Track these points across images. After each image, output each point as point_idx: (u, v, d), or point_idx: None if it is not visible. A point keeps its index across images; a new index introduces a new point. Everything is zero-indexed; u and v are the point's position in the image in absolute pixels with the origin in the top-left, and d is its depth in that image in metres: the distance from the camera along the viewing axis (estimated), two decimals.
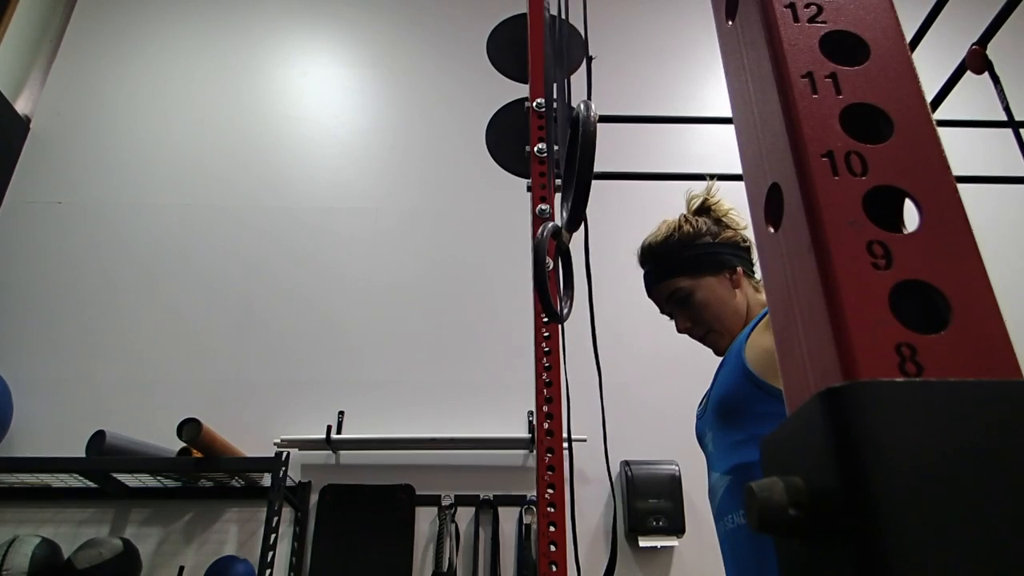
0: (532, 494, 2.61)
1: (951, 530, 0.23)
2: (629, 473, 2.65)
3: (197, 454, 2.37)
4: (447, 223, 3.27)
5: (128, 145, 3.39)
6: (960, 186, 0.31)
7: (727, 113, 0.44)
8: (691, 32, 3.74)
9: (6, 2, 3.30)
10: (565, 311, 1.01)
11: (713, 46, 0.48)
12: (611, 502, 2.68)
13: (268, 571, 2.19)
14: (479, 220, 3.26)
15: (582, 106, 0.74)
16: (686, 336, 1.34)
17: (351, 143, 3.45)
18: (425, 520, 2.66)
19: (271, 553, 2.21)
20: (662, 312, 1.37)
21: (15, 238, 3.15)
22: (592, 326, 1.09)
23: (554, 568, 1.19)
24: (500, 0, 2.12)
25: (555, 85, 1.54)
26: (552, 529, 1.22)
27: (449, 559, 2.52)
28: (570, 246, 1.09)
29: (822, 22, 0.34)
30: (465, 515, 2.67)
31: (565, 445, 1.28)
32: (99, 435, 2.36)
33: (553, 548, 1.20)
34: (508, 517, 2.68)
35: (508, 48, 1.79)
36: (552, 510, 1.23)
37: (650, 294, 1.36)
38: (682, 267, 1.29)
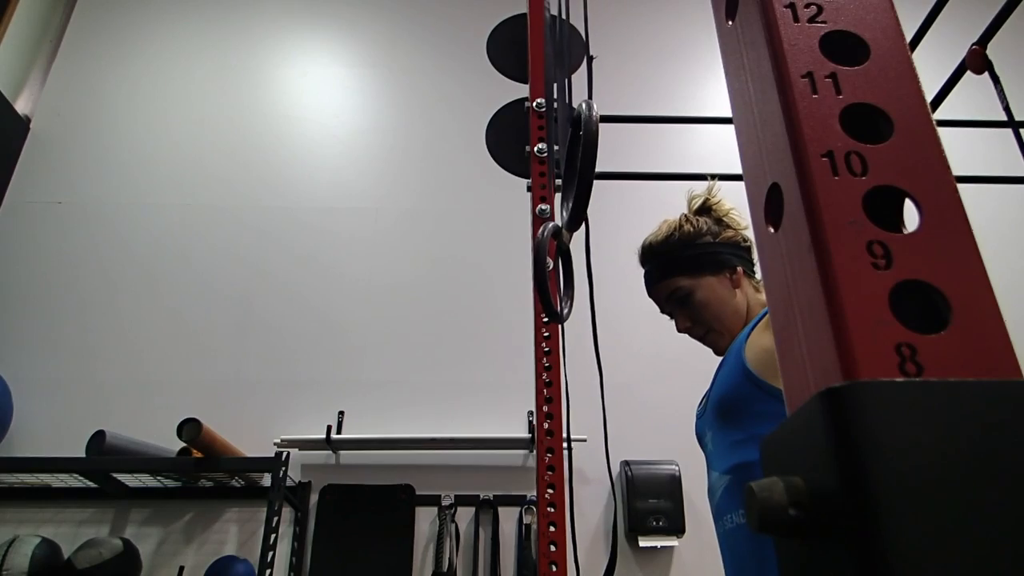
0: (532, 494, 2.61)
1: (951, 530, 0.23)
2: (629, 473, 2.65)
3: (197, 454, 2.37)
4: (447, 223, 3.27)
5: (128, 145, 3.39)
6: (960, 186, 0.31)
7: (727, 113, 0.44)
8: (691, 32, 3.74)
9: (6, 2, 3.30)
10: (565, 311, 1.01)
11: (713, 46, 0.48)
12: (611, 502, 2.68)
13: (268, 571, 2.19)
14: (479, 220, 3.26)
15: (584, 105, 0.74)
16: (686, 336, 1.34)
17: (351, 143, 3.45)
18: (425, 520, 2.66)
19: (271, 553, 2.21)
20: (662, 312, 1.37)
21: (15, 238, 3.15)
22: (593, 326, 1.09)
23: (554, 568, 1.19)
24: (500, 0, 2.12)
25: (555, 85, 1.55)
26: (552, 529, 1.22)
27: (449, 559, 2.52)
28: (570, 246, 1.09)
29: (822, 22, 0.34)
30: (465, 515, 2.67)
31: (565, 445, 1.28)
32: (99, 435, 2.36)
33: (553, 548, 1.20)
34: (508, 517, 2.68)
35: (508, 48, 1.79)
36: (552, 510, 1.23)
37: (650, 293, 1.36)
38: (682, 266, 1.29)
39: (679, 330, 1.34)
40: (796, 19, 0.34)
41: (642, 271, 1.38)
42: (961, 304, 0.27)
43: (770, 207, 0.34)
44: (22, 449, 2.69)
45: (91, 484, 2.54)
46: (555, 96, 1.53)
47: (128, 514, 2.64)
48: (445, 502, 2.63)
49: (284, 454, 2.40)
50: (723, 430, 1.16)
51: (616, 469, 2.72)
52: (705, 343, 1.32)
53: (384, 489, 2.69)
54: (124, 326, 2.98)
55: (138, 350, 2.94)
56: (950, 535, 0.23)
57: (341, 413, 2.82)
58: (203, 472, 2.48)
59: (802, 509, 0.25)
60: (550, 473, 1.27)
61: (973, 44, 1.54)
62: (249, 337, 2.98)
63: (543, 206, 1.44)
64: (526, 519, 2.58)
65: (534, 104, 1.53)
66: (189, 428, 2.31)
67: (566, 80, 1.56)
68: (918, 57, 0.47)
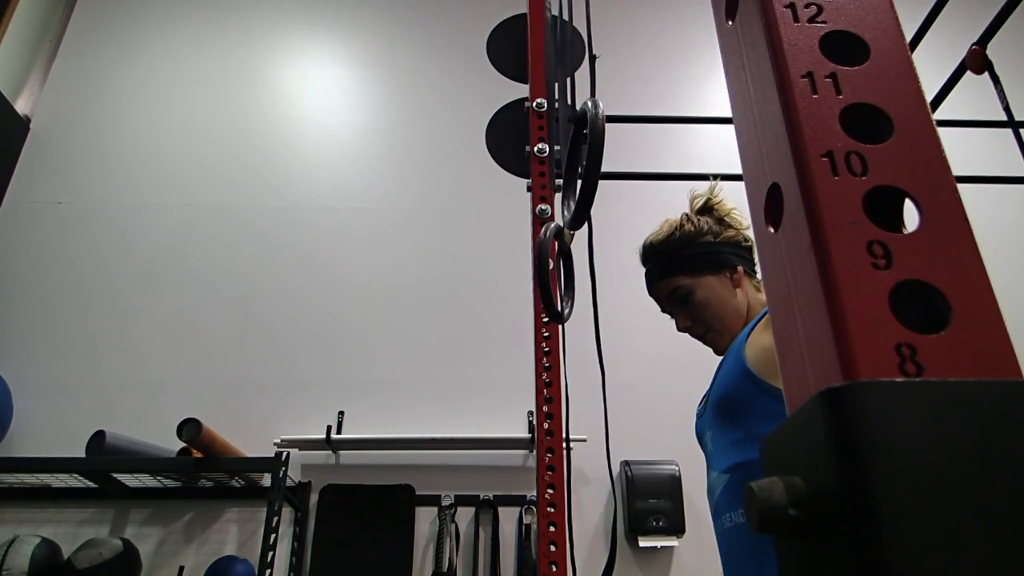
0: (532, 494, 2.61)
1: (951, 530, 0.23)
2: (629, 473, 2.65)
3: (197, 454, 2.37)
4: (447, 223, 3.27)
5: (129, 145, 3.39)
6: (960, 186, 0.31)
7: (727, 113, 0.44)
8: (691, 32, 3.74)
9: (6, 2, 3.30)
10: (566, 311, 1.01)
11: (713, 46, 0.48)
12: (611, 502, 2.68)
13: (268, 571, 2.19)
14: (479, 220, 3.26)
15: (589, 104, 0.74)
16: (686, 336, 1.34)
17: (351, 143, 3.45)
18: (425, 520, 2.66)
19: (271, 553, 2.21)
20: (663, 311, 1.37)
21: (15, 238, 3.15)
22: (596, 326, 1.09)
23: (554, 568, 1.19)
24: (500, 0, 2.12)
25: (555, 85, 1.55)
26: (552, 529, 1.22)
27: (449, 559, 2.52)
28: (570, 246, 1.08)
29: (822, 22, 0.34)
30: (465, 515, 2.67)
31: (565, 445, 1.28)
32: (99, 435, 2.36)
33: (553, 548, 1.20)
34: (508, 517, 2.68)
35: (508, 48, 1.79)
36: (552, 510, 1.23)
37: (651, 292, 1.36)
38: (683, 266, 1.29)
39: (679, 329, 1.34)
40: (796, 19, 0.34)
41: (642, 271, 1.38)
42: (961, 304, 0.27)
43: (770, 207, 0.34)
44: (22, 449, 2.69)
45: (91, 484, 2.54)
46: (555, 96, 1.53)
47: (128, 514, 2.64)
48: (445, 502, 2.63)
49: (284, 454, 2.40)
50: (723, 429, 1.16)
51: (616, 469, 2.72)
52: (705, 342, 1.32)
53: (384, 489, 2.69)
54: (124, 326, 2.98)
55: (138, 350, 2.94)
56: (950, 535, 0.23)
57: (341, 413, 2.82)
58: (203, 472, 2.48)
59: (802, 509, 0.25)
60: (550, 473, 1.27)
61: (973, 44, 1.54)
62: (249, 337, 2.98)
63: (543, 206, 1.44)
64: (526, 519, 2.58)
65: (534, 104, 1.53)
66: (189, 428, 2.31)
67: (567, 80, 1.56)
68: (918, 57, 0.47)
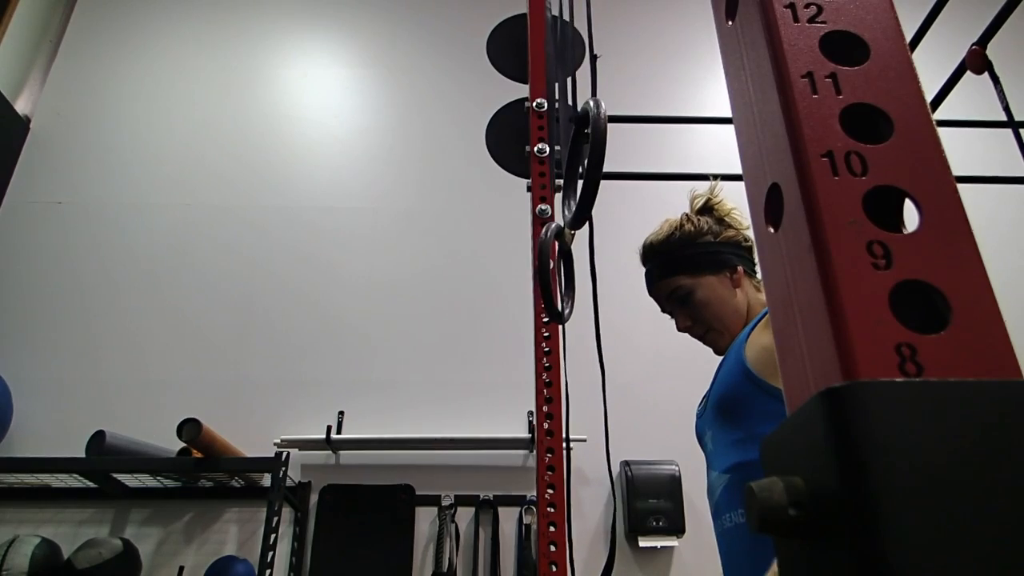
0: (532, 494, 2.61)
1: (951, 530, 0.23)
2: (629, 473, 2.65)
3: (197, 454, 2.37)
4: (447, 223, 3.28)
5: (129, 145, 3.39)
6: (960, 186, 0.31)
7: (727, 113, 0.44)
8: (691, 32, 3.74)
9: (6, 2, 3.30)
10: (566, 311, 1.01)
11: (713, 46, 0.48)
12: (611, 502, 2.68)
13: (268, 571, 2.19)
14: (479, 220, 3.26)
15: (591, 103, 0.73)
16: (687, 336, 1.34)
17: (351, 143, 3.45)
18: (425, 520, 2.66)
19: (271, 553, 2.21)
20: (663, 310, 1.37)
21: (15, 238, 3.15)
22: (596, 325, 1.09)
23: (554, 568, 1.19)
24: (500, 0, 2.12)
25: (555, 85, 1.55)
26: (552, 529, 1.22)
27: (449, 559, 2.52)
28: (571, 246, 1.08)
29: (822, 22, 0.34)
30: (465, 515, 2.67)
31: (565, 445, 1.28)
32: (99, 435, 2.36)
33: (553, 548, 1.20)
34: (508, 517, 2.68)
35: (508, 48, 1.79)
36: (552, 510, 1.23)
37: (651, 292, 1.36)
38: (683, 265, 1.29)
39: (679, 329, 1.34)
40: (796, 19, 0.34)
41: (642, 271, 1.38)
42: (961, 304, 0.27)
43: (770, 207, 0.34)
44: (22, 449, 2.69)
45: (91, 484, 2.54)
46: (555, 96, 1.53)
47: (128, 514, 2.64)
48: (445, 502, 2.63)
49: (284, 454, 2.40)
50: (723, 429, 1.16)
51: (616, 469, 2.72)
52: (705, 342, 1.32)
53: (384, 489, 2.69)
54: (124, 326, 2.98)
55: (138, 350, 2.94)
56: (950, 535, 0.23)
57: (341, 413, 2.82)
58: (203, 472, 2.48)
59: (802, 509, 0.25)
60: (550, 473, 1.27)
61: (973, 44, 1.54)
62: (249, 337, 2.98)
63: (543, 206, 1.44)
64: (526, 519, 2.58)
65: (534, 104, 1.53)
66: (189, 428, 2.31)
67: (567, 80, 1.56)
68: (918, 57, 0.47)
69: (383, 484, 2.70)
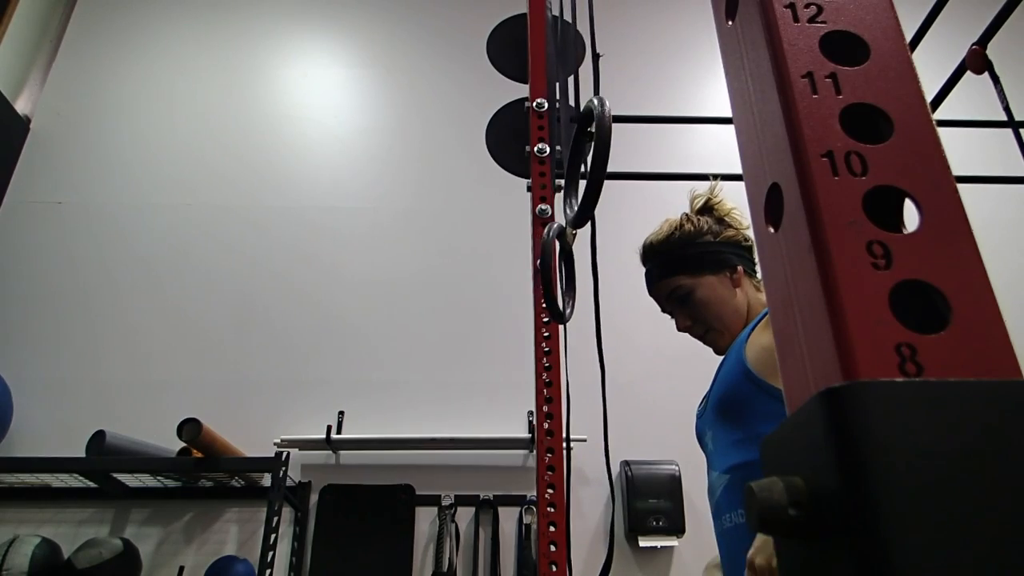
0: (532, 494, 2.61)
1: (951, 530, 0.23)
2: (629, 473, 2.65)
3: (197, 454, 2.37)
4: (447, 222, 3.28)
5: (129, 145, 3.39)
6: (960, 186, 0.31)
7: (727, 113, 0.44)
8: (691, 32, 3.74)
9: (6, 2, 3.30)
10: (567, 311, 1.01)
11: (713, 46, 0.48)
12: (611, 502, 2.68)
13: (268, 571, 2.19)
14: (479, 220, 3.26)
15: (595, 101, 0.73)
16: (686, 335, 1.34)
17: (351, 143, 3.45)
18: (425, 520, 2.66)
19: (271, 553, 2.21)
20: (663, 310, 1.37)
21: (15, 238, 3.15)
22: (597, 325, 1.09)
23: (554, 568, 1.19)
24: (500, 0, 2.12)
25: (556, 85, 1.54)
26: (552, 529, 1.22)
27: (449, 559, 2.52)
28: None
29: (822, 22, 0.34)
30: (465, 515, 2.67)
31: (565, 445, 1.28)
32: (99, 435, 2.36)
33: (553, 548, 1.20)
34: (508, 517, 2.68)
35: (508, 48, 1.79)
36: (552, 510, 1.23)
37: (651, 292, 1.36)
38: (683, 265, 1.29)
39: (679, 329, 1.34)
40: (796, 19, 0.34)
41: (642, 270, 1.38)
42: (961, 304, 0.27)
43: (770, 207, 0.34)
44: (22, 449, 2.69)
45: (91, 484, 2.54)
46: (556, 96, 1.53)
47: (128, 514, 2.64)
48: (445, 502, 2.63)
49: (284, 454, 2.40)
50: (723, 429, 1.16)
51: (616, 469, 2.72)
52: (705, 342, 1.32)
53: (384, 489, 2.69)
54: (124, 326, 2.98)
55: (138, 350, 2.94)
56: (950, 535, 0.23)
57: (341, 413, 2.82)
58: (203, 472, 2.48)
59: (802, 509, 0.25)
60: (550, 473, 1.27)
61: (973, 44, 1.54)
62: (249, 337, 2.98)
63: (543, 206, 1.44)
64: (526, 519, 2.58)
65: (534, 104, 1.53)
66: (189, 428, 2.31)
67: (567, 80, 1.56)
68: (918, 57, 0.47)
69: (383, 484, 2.70)
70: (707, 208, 1.36)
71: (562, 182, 1.38)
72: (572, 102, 1.59)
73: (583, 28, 1.66)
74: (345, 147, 3.44)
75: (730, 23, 0.40)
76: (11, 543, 2.28)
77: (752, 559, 0.90)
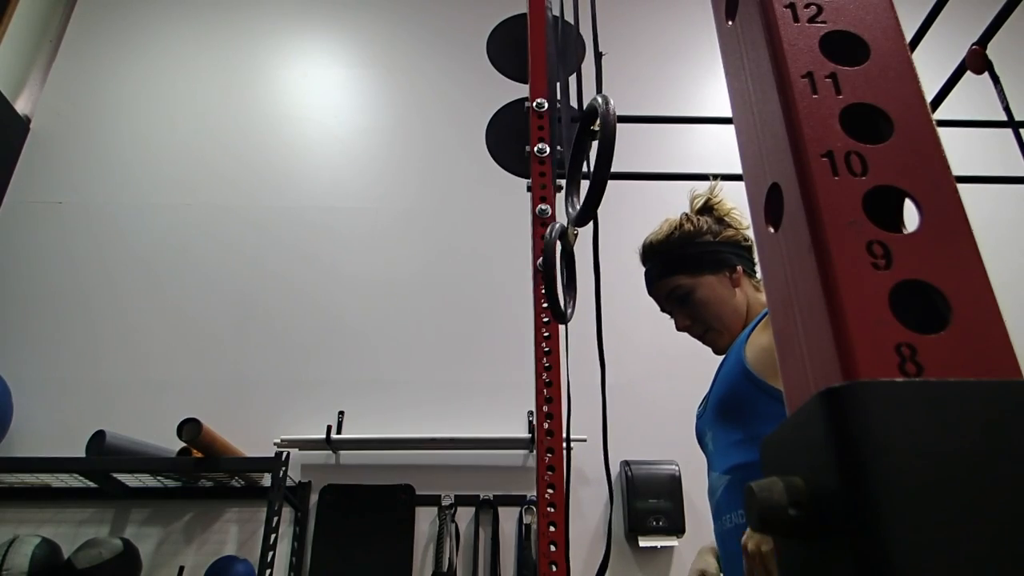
0: (532, 494, 2.61)
1: (951, 530, 0.23)
2: (629, 473, 2.65)
3: (197, 454, 2.37)
4: (447, 222, 3.28)
5: (129, 145, 3.39)
6: (960, 186, 0.31)
7: (727, 113, 0.44)
8: (691, 32, 3.74)
9: (6, 2, 3.30)
10: (568, 311, 1.02)
11: (713, 46, 0.48)
12: (610, 502, 2.67)
13: (268, 571, 2.19)
14: (479, 220, 3.26)
15: (599, 99, 0.73)
16: (686, 335, 1.34)
17: (351, 143, 3.45)
18: (425, 520, 2.66)
19: (271, 553, 2.21)
20: (662, 310, 1.37)
21: (15, 238, 3.15)
22: (598, 325, 1.09)
23: (554, 568, 1.19)
24: (500, 0, 2.12)
25: (556, 84, 1.54)
26: (552, 529, 1.22)
27: (449, 559, 2.52)
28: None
29: (822, 22, 0.34)
30: (465, 515, 2.67)
31: (565, 445, 1.28)
32: (99, 435, 2.36)
33: (553, 548, 1.20)
34: (508, 517, 2.68)
35: (508, 48, 1.79)
36: (552, 510, 1.23)
37: (651, 292, 1.36)
38: (682, 265, 1.29)
39: (678, 328, 1.34)
40: (796, 19, 0.34)
41: (642, 271, 1.38)
42: (961, 304, 0.27)
43: (770, 207, 0.34)
44: (22, 449, 2.69)
45: (91, 484, 2.54)
46: (556, 95, 1.53)
47: (128, 514, 2.64)
48: (445, 502, 2.63)
49: (284, 454, 2.40)
50: (723, 430, 1.16)
51: (616, 469, 2.71)
52: (704, 342, 1.32)
53: (384, 489, 2.69)
54: (124, 326, 2.98)
55: (138, 350, 2.94)
56: (950, 535, 0.23)
57: (341, 413, 2.82)
58: (203, 472, 2.48)
59: (802, 509, 0.25)
60: (550, 473, 1.27)
61: (973, 44, 1.54)
62: (249, 337, 2.98)
63: (543, 206, 1.44)
64: (526, 519, 2.58)
65: (534, 104, 1.53)
66: (189, 428, 2.31)
67: (568, 79, 1.56)
68: (918, 57, 0.47)
69: (383, 484, 2.70)
70: (707, 208, 1.36)
71: (562, 182, 1.38)
72: (572, 102, 1.59)
73: (583, 28, 1.66)
74: (345, 147, 3.44)
75: (730, 23, 0.40)
76: (11, 543, 2.28)
77: (745, 544, 0.92)
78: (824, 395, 0.26)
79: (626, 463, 2.69)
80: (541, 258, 1.36)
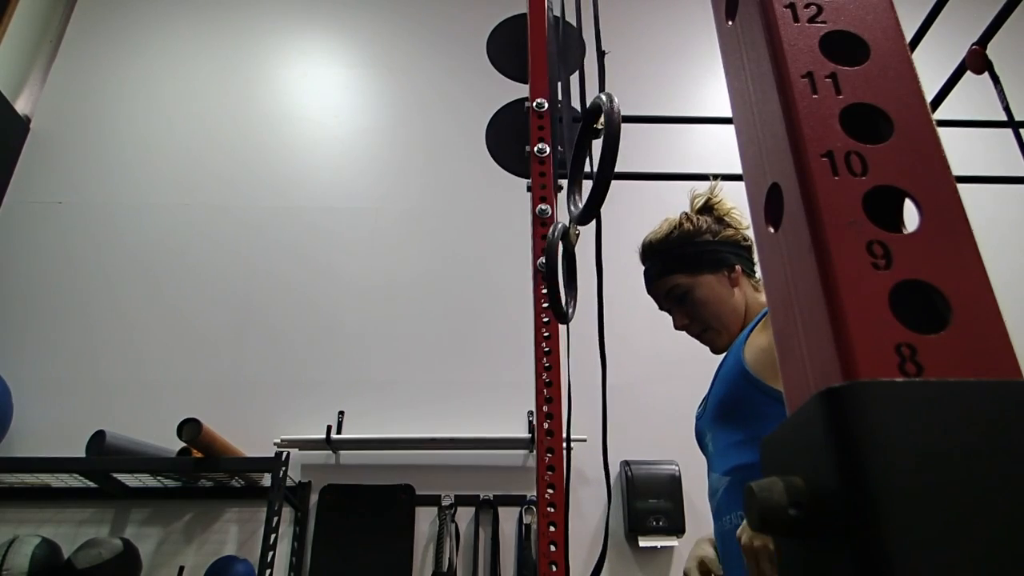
0: (532, 494, 2.61)
1: (951, 530, 0.23)
2: (629, 473, 2.65)
3: (197, 454, 2.37)
4: (447, 223, 3.28)
5: (129, 145, 3.39)
6: (960, 186, 0.31)
7: (727, 113, 0.44)
8: (691, 32, 3.74)
9: (6, 2, 3.30)
10: (569, 311, 1.02)
11: (713, 46, 0.48)
12: (608, 502, 2.67)
13: (268, 571, 2.19)
14: (479, 220, 3.26)
15: (603, 97, 0.73)
16: (686, 335, 1.34)
17: (351, 143, 3.45)
18: (425, 520, 2.66)
19: (271, 553, 2.21)
20: (661, 309, 1.37)
21: (15, 238, 3.15)
22: (600, 325, 1.09)
23: (554, 568, 1.19)
24: (500, 0, 2.12)
25: (557, 84, 1.54)
26: (552, 529, 1.22)
27: (449, 559, 2.52)
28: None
29: (822, 22, 0.34)
30: (465, 515, 2.67)
31: (565, 445, 1.28)
32: (99, 435, 2.36)
33: (553, 548, 1.20)
34: (508, 517, 2.68)
35: (508, 48, 1.79)
36: (552, 510, 1.23)
37: (650, 291, 1.36)
38: (681, 264, 1.29)
39: (676, 327, 1.34)
40: (796, 19, 0.34)
41: (642, 270, 1.38)
42: (961, 304, 0.27)
43: (770, 207, 0.34)
44: (22, 449, 2.69)
45: (91, 484, 2.54)
46: (556, 95, 1.53)
47: (128, 514, 2.64)
48: (445, 502, 2.63)
49: (284, 454, 2.40)
50: (723, 431, 1.16)
51: (616, 469, 2.72)
52: (702, 341, 1.32)
53: (384, 489, 2.69)
54: (124, 326, 2.98)
55: (138, 350, 2.94)
56: (950, 535, 0.23)
57: (341, 413, 2.82)
58: (203, 472, 2.48)
59: (802, 509, 0.25)
60: (550, 473, 1.27)
61: (973, 44, 1.54)
62: (249, 337, 2.98)
63: (543, 206, 1.44)
64: (526, 519, 2.58)
65: (534, 104, 1.53)
66: (189, 428, 2.31)
67: (569, 79, 1.56)
68: (918, 57, 0.47)
69: (383, 484, 2.70)
70: (707, 207, 1.36)
71: (562, 182, 1.38)
72: (573, 102, 1.59)
73: (583, 27, 1.66)
74: (345, 147, 3.43)
75: (730, 23, 0.40)
76: (11, 543, 2.28)
77: (738, 536, 0.93)
78: (824, 395, 0.26)
79: (626, 463, 2.69)
80: (541, 258, 1.36)
